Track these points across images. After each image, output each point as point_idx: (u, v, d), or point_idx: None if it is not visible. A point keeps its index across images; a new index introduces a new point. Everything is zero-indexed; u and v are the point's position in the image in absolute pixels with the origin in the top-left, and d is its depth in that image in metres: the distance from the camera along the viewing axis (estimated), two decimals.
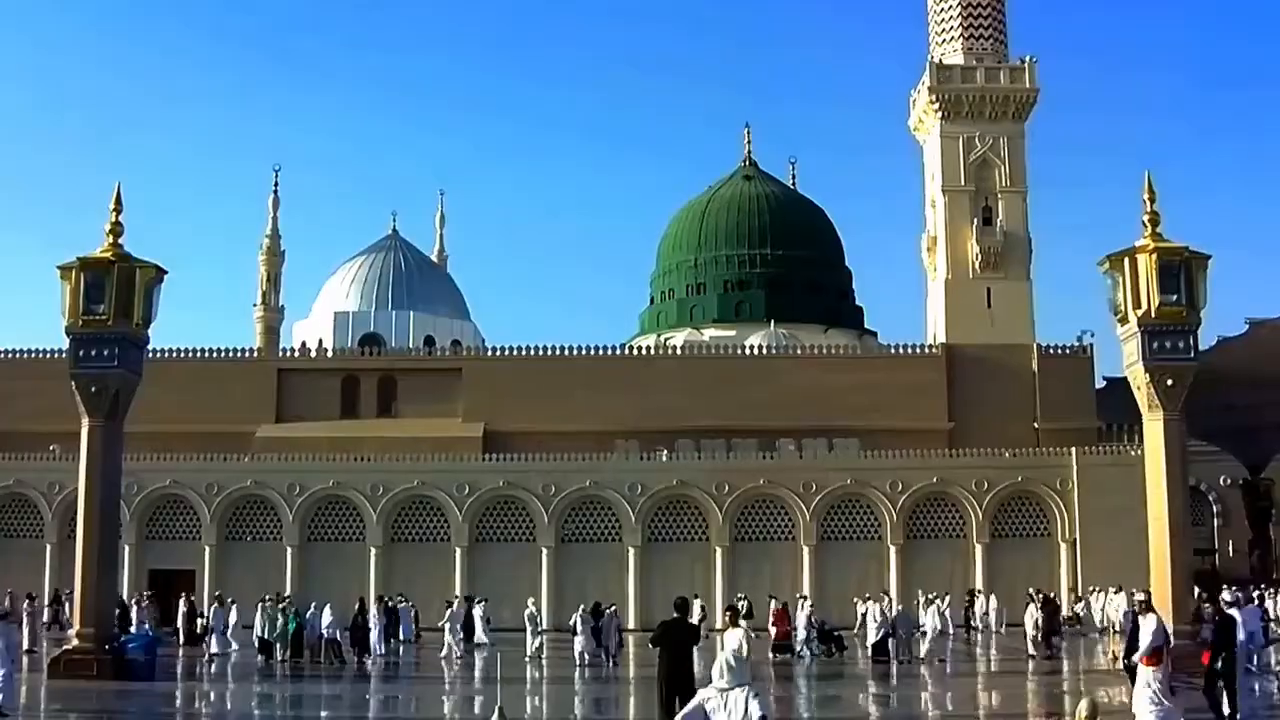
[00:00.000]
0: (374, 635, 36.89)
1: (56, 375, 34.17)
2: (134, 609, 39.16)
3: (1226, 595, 28.75)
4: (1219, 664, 19.75)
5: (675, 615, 17.30)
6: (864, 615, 36.83)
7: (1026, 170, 66.12)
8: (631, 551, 53.90)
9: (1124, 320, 29.00)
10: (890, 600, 39.80)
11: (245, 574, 51.29)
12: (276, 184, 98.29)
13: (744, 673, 14.12)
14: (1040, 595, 37.88)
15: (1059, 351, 63.88)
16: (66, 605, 43.81)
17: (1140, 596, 20.76)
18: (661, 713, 16.51)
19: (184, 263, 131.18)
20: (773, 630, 37.46)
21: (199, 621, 40.11)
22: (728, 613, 17.07)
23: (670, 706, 16.23)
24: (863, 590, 46.13)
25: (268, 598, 36.76)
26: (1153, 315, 28.18)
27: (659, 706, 16.69)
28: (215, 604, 38.25)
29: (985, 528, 54.10)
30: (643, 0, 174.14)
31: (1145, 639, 17.14)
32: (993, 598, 49.02)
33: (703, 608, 43.71)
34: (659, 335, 76.62)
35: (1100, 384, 63.10)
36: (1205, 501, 63.98)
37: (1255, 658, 29.04)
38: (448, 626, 37.91)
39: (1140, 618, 17.90)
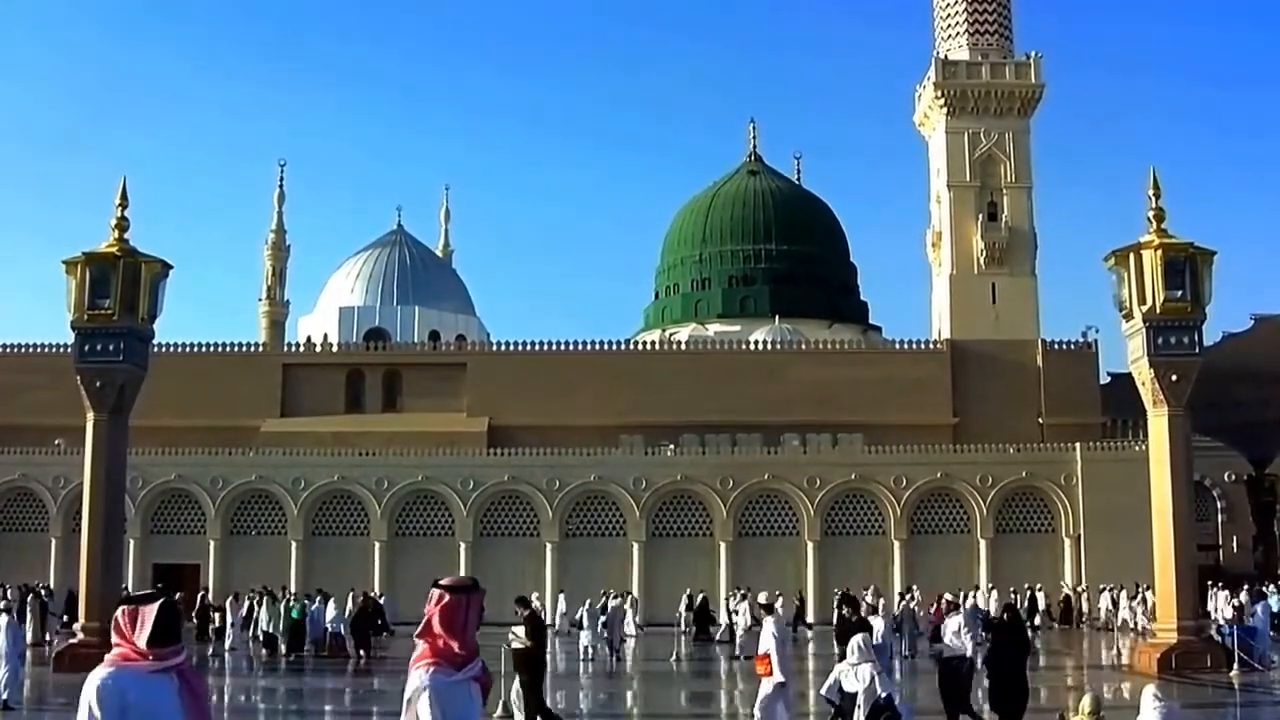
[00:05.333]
0: None
1: (62, 370, 34.29)
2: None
3: (869, 597, 26.72)
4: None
5: (528, 613, 17.88)
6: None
7: (1032, 166, 66.04)
8: (636, 546, 53.93)
9: (1129, 316, 29.00)
10: (913, 594, 40.20)
11: (249, 568, 51.31)
12: (282, 179, 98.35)
13: (870, 652, 15.51)
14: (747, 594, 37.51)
15: (1064, 347, 63.79)
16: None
17: (764, 598, 19.17)
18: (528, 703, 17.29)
19: (189, 258, 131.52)
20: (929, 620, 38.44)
21: (216, 616, 40.17)
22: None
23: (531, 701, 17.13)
24: (867, 586, 46.27)
25: (263, 587, 37.08)
26: (1158, 311, 28.19)
27: (525, 699, 17.39)
28: (232, 599, 38.68)
29: (989, 523, 54.07)
30: None
31: (764, 643, 16.09)
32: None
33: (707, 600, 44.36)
34: (664, 330, 76.62)
35: (1105, 379, 63.02)
36: (1210, 497, 64.01)
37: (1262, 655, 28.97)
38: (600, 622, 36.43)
39: (765, 619, 16.62)
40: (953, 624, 19.75)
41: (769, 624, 16.25)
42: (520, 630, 17.53)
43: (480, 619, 6.13)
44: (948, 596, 38.65)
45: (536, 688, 17.25)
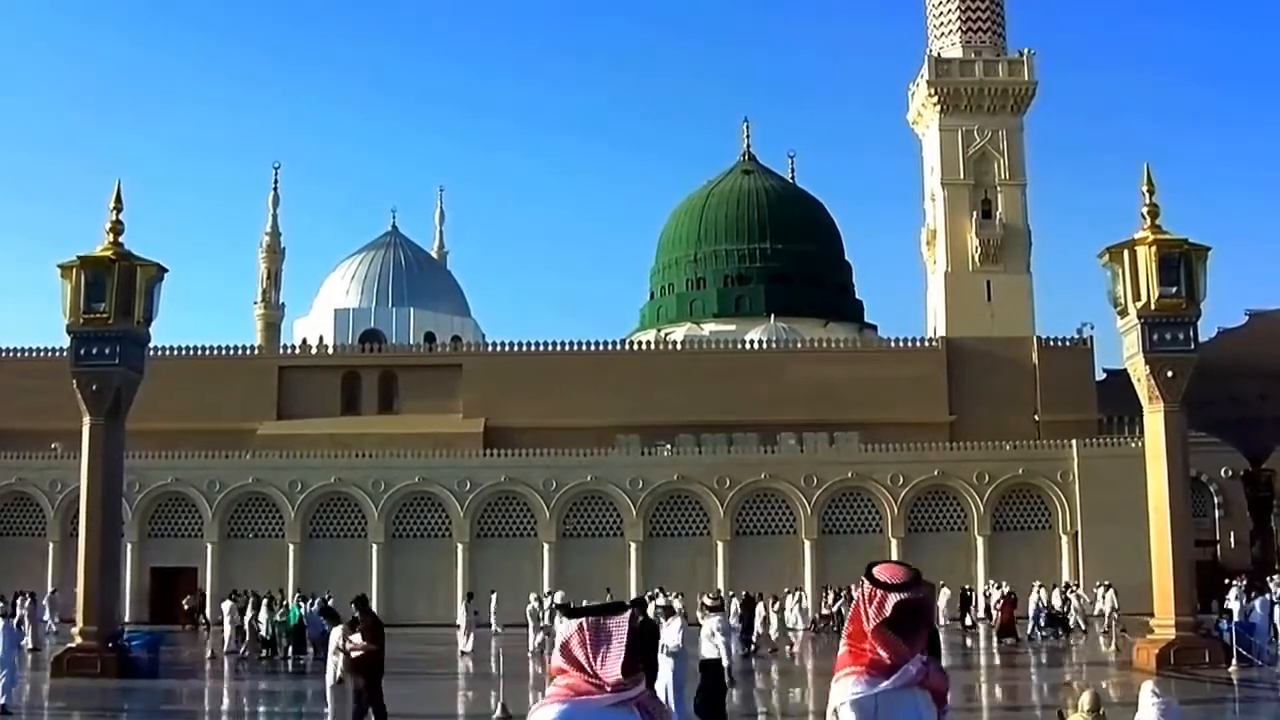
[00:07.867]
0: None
1: (58, 373, 34.20)
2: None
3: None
4: None
5: (368, 616, 18.13)
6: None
7: (1025, 163, 66.09)
8: (633, 546, 53.94)
9: (1124, 312, 29.04)
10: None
11: (247, 571, 51.27)
12: (276, 182, 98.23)
13: (722, 627, 17.02)
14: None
15: (1059, 344, 63.81)
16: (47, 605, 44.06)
17: (559, 597, 18.96)
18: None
19: (185, 260, 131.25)
20: (997, 616, 40.17)
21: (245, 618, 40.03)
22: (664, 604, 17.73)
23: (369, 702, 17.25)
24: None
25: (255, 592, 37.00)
26: (1152, 307, 28.24)
27: (362, 702, 17.43)
28: (230, 601, 38.69)
29: (986, 520, 54.16)
30: None
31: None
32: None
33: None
34: (659, 330, 76.61)
35: (1100, 376, 63.04)
36: (1206, 493, 63.96)
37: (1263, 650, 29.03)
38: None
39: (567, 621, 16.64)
40: (709, 625, 18.04)
41: (565, 627, 16.01)
42: (357, 637, 17.43)
43: (928, 618, 5.04)
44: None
45: (374, 690, 17.23)
